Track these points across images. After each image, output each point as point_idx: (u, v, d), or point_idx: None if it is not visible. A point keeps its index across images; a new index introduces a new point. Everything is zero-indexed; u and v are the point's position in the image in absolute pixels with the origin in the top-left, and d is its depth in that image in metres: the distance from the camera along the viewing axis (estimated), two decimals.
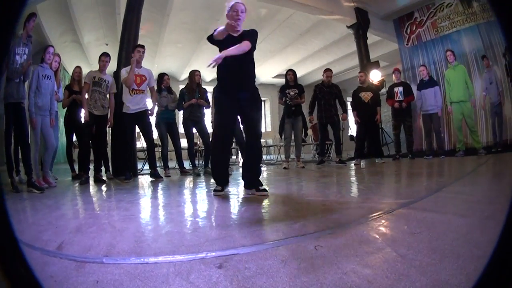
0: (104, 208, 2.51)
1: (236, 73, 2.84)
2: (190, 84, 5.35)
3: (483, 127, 6.84)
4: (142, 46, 4.69)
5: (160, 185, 4.02)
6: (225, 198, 2.81)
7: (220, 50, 2.74)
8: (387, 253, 1.24)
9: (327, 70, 6.25)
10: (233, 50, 2.66)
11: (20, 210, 2.49)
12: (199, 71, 5.45)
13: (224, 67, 2.81)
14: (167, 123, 5.35)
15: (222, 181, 3.01)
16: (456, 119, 6.20)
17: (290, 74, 5.86)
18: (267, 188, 2.88)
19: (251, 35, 2.84)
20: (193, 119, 5.27)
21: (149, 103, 4.82)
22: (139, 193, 3.53)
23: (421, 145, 7.84)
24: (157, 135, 5.40)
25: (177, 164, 5.70)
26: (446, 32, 7.86)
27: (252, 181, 2.95)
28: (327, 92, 6.05)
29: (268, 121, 15.53)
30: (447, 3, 7.79)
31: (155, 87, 5.04)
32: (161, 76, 5.49)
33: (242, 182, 3.11)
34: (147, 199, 3.09)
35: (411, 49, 8.64)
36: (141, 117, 4.64)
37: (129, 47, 5.33)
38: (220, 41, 2.79)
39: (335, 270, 1.11)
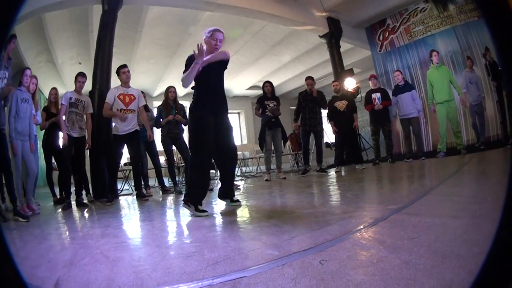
0: (92, 235, 2.39)
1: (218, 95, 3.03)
2: (166, 101, 5.28)
3: (463, 127, 6.81)
4: (125, 66, 4.62)
5: (144, 206, 3.91)
6: (211, 217, 2.73)
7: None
8: (392, 260, 1.26)
9: (308, 78, 6.14)
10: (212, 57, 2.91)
11: (11, 243, 2.34)
12: (173, 87, 5.36)
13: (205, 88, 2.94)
14: (145, 142, 5.19)
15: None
16: (441, 120, 6.11)
17: (268, 86, 5.80)
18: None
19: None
20: (172, 136, 5.20)
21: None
22: (124, 216, 3.44)
23: (399, 148, 7.98)
24: None
25: (157, 182, 5.60)
26: (420, 36, 7.98)
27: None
28: (311, 100, 5.99)
29: (244, 134, 15.36)
30: (421, 8, 7.91)
31: (144, 107, 4.84)
32: None
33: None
34: (134, 223, 2.99)
35: (384, 55, 8.75)
36: (132, 138, 4.52)
37: (104, 65, 5.24)
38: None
39: (346, 283, 1.11)
